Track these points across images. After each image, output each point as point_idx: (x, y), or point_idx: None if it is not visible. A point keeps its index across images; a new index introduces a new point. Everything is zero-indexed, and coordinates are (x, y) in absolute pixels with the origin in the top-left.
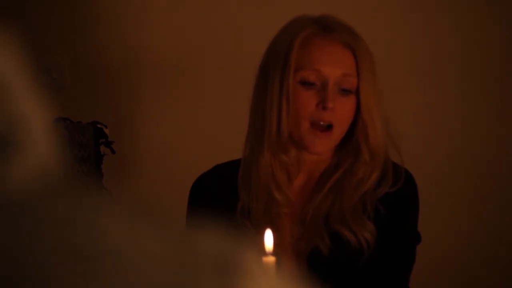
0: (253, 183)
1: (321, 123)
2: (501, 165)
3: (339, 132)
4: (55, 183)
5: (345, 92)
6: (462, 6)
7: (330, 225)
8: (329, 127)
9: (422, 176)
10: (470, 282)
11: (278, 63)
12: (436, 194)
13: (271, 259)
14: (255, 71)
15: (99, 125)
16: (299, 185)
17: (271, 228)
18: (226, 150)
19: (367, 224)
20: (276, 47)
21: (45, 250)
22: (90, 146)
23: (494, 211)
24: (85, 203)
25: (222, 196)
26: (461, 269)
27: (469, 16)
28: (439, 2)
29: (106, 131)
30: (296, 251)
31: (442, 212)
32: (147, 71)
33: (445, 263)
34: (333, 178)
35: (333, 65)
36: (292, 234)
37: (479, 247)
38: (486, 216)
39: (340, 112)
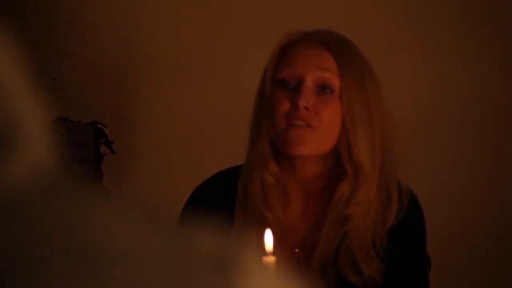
0: (248, 204)
1: (297, 122)
2: (502, 166)
3: (321, 135)
4: (54, 183)
5: (325, 92)
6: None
7: (338, 267)
8: (309, 127)
9: (422, 176)
10: (469, 282)
11: (263, 73)
12: (436, 194)
13: (271, 259)
14: (255, 70)
15: (99, 125)
16: (298, 206)
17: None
18: (226, 150)
19: (376, 263)
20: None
21: (44, 249)
22: (90, 146)
23: (494, 211)
24: (84, 202)
25: (221, 214)
26: (460, 269)
27: (469, 18)
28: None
29: (106, 131)
30: None
31: (442, 211)
32: (147, 71)
33: (444, 263)
34: (333, 206)
35: (308, 63)
36: (291, 259)
37: (478, 247)
38: (486, 216)
39: (321, 114)
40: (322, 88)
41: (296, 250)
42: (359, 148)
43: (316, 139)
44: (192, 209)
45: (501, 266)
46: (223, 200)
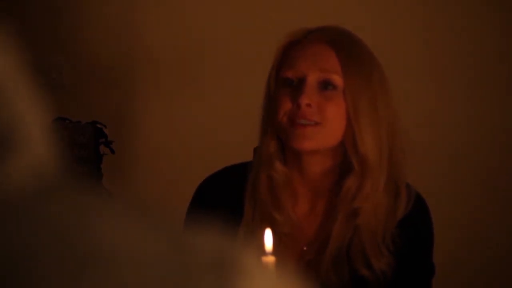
0: (257, 202)
1: (300, 121)
2: (504, 166)
3: (327, 131)
4: (53, 183)
5: (328, 88)
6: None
7: (349, 261)
8: (316, 124)
9: (425, 175)
10: (470, 282)
11: (269, 72)
12: (438, 194)
13: (270, 259)
14: (255, 70)
15: (98, 125)
16: (306, 205)
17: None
18: (226, 150)
19: (386, 257)
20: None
21: (43, 250)
22: (89, 146)
23: (496, 212)
24: (83, 203)
25: (228, 208)
26: (461, 269)
27: (475, 16)
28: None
29: (106, 131)
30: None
31: (444, 212)
32: (146, 71)
33: (446, 264)
34: (341, 201)
35: (311, 61)
36: (299, 256)
37: (482, 247)
38: (489, 217)
39: (325, 111)
40: (325, 85)
41: (304, 248)
42: (365, 141)
43: (320, 133)
44: (198, 203)
45: (502, 266)
46: (229, 195)
